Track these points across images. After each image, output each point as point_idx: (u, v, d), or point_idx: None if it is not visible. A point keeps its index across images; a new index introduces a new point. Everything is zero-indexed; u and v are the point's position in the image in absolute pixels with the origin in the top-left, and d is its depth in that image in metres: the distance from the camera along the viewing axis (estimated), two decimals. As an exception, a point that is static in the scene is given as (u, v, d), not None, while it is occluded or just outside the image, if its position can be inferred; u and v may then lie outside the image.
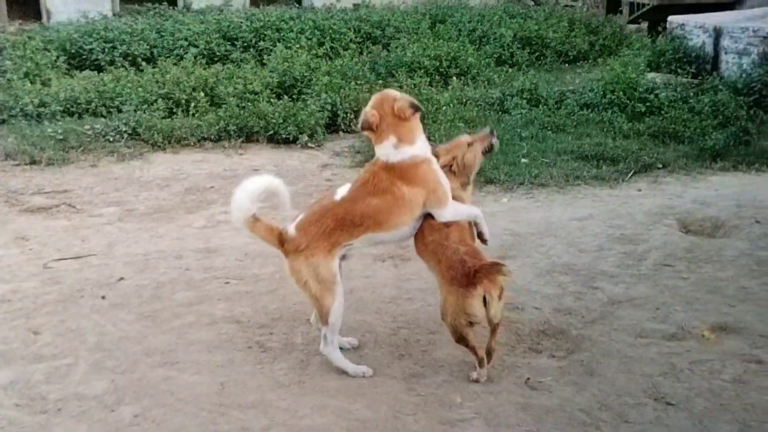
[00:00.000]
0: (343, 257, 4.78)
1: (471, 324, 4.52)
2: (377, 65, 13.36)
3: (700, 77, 12.57)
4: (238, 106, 10.59)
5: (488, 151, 5.12)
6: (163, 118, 10.33)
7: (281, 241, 4.65)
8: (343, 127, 10.78)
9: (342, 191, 4.74)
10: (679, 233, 7.15)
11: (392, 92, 4.78)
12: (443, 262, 4.58)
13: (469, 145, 5.03)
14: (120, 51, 13.30)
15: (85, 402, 4.44)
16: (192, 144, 9.98)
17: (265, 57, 13.35)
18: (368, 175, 4.70)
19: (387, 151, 4.64)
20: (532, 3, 19.46)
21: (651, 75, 12.42)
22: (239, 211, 4.65)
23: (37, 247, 6.83)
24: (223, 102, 10.80)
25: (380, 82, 12.39)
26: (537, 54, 15.24)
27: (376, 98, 4.75)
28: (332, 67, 12.59)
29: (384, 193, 4.59)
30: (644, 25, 17.74)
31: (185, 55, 12.94)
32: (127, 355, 4.96)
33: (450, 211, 4.69)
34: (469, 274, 4.43)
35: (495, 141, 5.15)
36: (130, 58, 13.11)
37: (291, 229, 4.64)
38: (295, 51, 13.03)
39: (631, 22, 17.91)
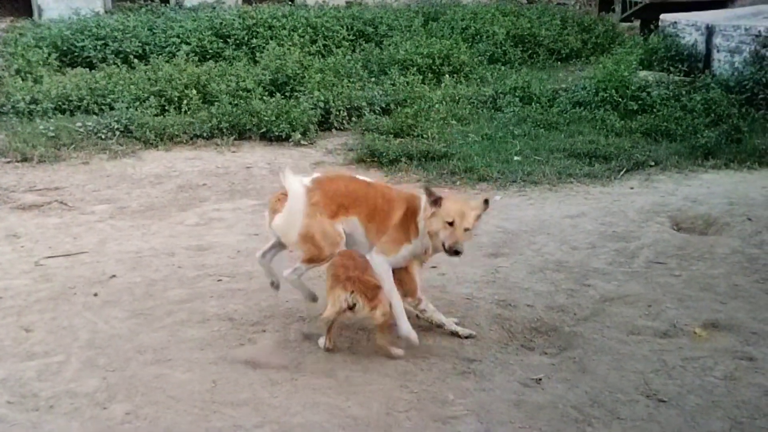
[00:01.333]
0: None
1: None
2: (370, 63, 13.36)
3: (692, 75, 12.61)
4: (230, 103, 10.59)
5: (450, 249, 4.88)
6: (156, 115, 10.31)
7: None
8: (335, 124, 10.78)
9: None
10: (671, 231, 7.17)
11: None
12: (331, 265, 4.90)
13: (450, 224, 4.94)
14: (112, 48, 13.27)
15: (76, 399, 4.42)
16: (184, 141, 9.96)
17: (258, 54, 13.35)
18: (394, 189, 5.25)
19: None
20: (525, 1, 19.48)
21: (643, 73, 12.45)
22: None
23: (29, 245, 6.81)
24: (215, 99, 10.79)
25: (373, 79, 12.40)
26: (530, 52, 15.27)
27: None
28: (325, 64, 12.60)
29: (387, 199, 5.09)
30: (637, 23, 17.80)
31: (177, 53, 12.93)
32: (119, 352, 4.95)
33: (378, 263, 4.96)
34: (344, 279, 4.71)
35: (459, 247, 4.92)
36: (122, 56, 13.08)
37: (306, 181, 5.02)
38: (288, 48, 13.02)
39: (623, 20, 17.96)
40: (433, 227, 4.87)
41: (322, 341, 4.96)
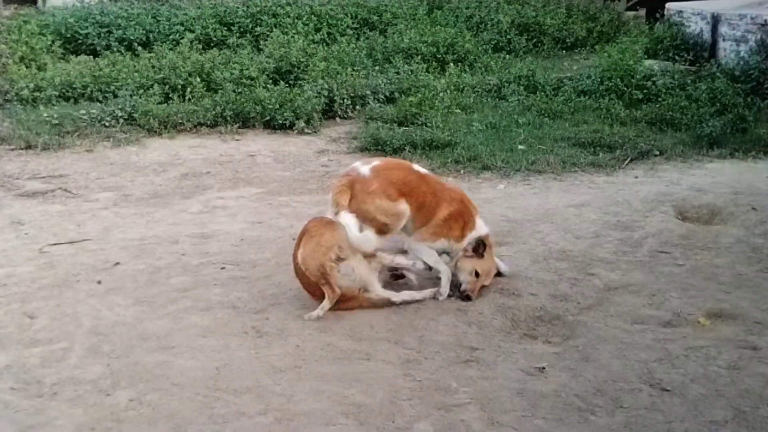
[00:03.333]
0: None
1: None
2: (374, 51, 13.32)
3: (697, 64, 12.56)
4: (234, 91, 10.57)
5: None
6: (159, 103, 10.30)
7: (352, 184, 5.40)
8: (339, 113, 10.75)
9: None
10: (676, 220, 7.15)
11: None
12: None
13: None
14: (116, 36, 13.25)
15: (80, 386, 4.43)
16: (188, 129, 9.95)
17: (262, 42, 13.31)
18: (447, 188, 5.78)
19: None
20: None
21: (648, 62, 12.39)
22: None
23: (33, 232, 6.82)
24: (219, 87, 10.77)
25: (377, 68, 12.36)
26: (534, 40, 15.19)
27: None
28: (329, 52, 12.55)
29: (437, 197, 5.59)
30: (642, 11, 17.70)
31: (181, 40, 12.86)
32: (122, 339, 4.96)
33: (419, 247, 5.58)
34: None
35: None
36: (125, 43, 13.06)
37: (365, 170, 5.47)
38: (292, 36, 12.98)
39: (629, 8, 17.88)
40: (462, 265, 5.51)
41: (315, 312, 5.16)
